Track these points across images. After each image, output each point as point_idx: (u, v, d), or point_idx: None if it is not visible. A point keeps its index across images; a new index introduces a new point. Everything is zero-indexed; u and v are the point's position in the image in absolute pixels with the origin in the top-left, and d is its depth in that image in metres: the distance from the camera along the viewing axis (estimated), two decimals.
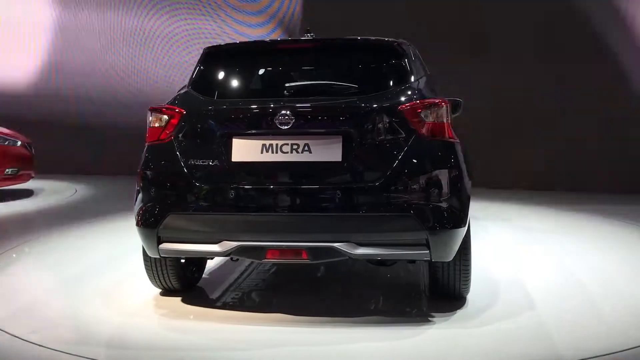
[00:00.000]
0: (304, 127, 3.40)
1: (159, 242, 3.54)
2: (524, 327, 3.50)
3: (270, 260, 3.45)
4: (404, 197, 3.33)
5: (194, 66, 3.97)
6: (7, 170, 8.67)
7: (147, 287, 4.11)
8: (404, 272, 4.64)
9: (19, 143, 8.98)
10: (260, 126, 3.46)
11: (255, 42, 4.15)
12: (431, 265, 3.73)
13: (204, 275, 4.48)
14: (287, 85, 3.59)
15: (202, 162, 3.50)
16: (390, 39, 3.85)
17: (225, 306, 3.98)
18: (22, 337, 3.35)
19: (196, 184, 3.48)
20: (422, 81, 3.69)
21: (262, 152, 3.42)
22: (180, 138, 3.57)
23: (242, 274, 4.66)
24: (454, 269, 3.64)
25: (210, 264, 4.75)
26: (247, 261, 4.85)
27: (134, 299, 4.05)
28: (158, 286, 4.06)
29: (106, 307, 3.90)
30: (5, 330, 3.47)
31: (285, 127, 3.38)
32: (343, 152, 3.36)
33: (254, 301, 4.18)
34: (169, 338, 3.43)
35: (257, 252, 3.43)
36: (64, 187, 10.41)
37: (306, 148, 3.39)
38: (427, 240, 3.31)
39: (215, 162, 3.48)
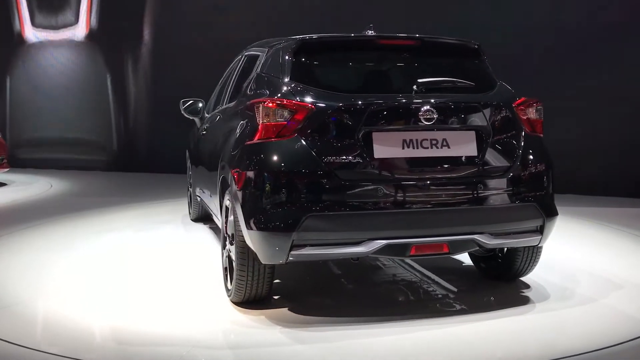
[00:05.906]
0: (443, 122, 3.48)
1: (292, 247, 3.27)
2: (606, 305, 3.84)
3: (412, 256, 3.41)
4: (526, 187, 3.61)
5: (283, 56, 3.69)
6: None
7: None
8: (386, 268, 4.71)
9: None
10: (403, 122, 3.47)
11: (357, 36, 3.97)
12: (511, 251, 4.02)
13: (208, 281, 4.29)
14: (419, 81, 3.55)
15: (341, 159, 3.32)
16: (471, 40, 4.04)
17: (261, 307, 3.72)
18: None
19: (338, 182, 3.28)
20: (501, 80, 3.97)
21: (403, 148, 3.40)
22: (310, 134, 3.35)
23: None
24: (533, 252, 4.01)
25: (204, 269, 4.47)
26: None
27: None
28: (246, 297, 3.65)
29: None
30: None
31: (429, 123, 3.41)
32: (477, 147, 3.51)
33: (279, 303, 3.88)
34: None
35: (401, 249, 3.36)
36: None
37: (444, 143, 3.46)
38: (541, 226, 3.64)
39: (357, 158, 3.34)
